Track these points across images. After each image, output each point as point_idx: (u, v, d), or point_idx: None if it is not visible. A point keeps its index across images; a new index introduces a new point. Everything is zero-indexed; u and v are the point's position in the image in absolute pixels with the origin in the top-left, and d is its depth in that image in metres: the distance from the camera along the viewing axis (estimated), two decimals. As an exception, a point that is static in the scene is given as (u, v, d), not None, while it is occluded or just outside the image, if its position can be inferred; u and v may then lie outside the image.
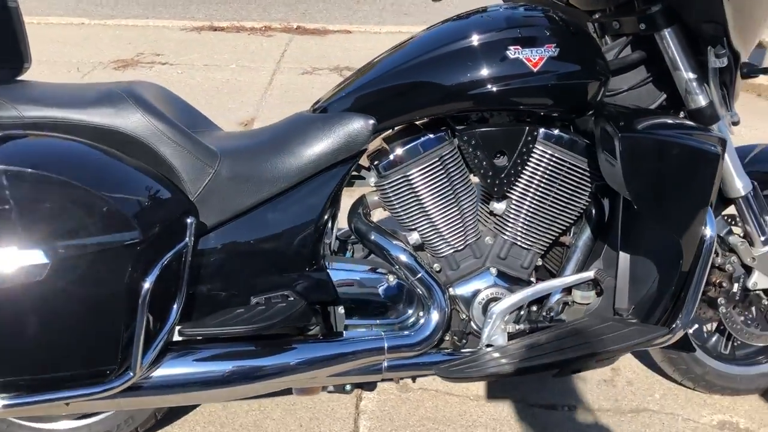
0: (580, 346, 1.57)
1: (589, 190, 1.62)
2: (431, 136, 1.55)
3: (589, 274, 1.64)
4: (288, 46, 5.23)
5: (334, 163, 1.51)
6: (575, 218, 1.65)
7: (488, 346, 1.60)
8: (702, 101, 1.52)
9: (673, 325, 1.58)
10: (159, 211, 1.37)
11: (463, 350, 1.63)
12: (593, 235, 1.67)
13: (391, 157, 1.55)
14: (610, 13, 1.59)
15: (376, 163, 1.57)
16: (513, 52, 1.45)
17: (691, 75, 1.51)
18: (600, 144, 1.52)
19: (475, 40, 1.48)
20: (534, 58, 1.46)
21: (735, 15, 1.40)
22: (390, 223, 1.69)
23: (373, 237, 1.58)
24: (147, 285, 1.30)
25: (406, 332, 1.59)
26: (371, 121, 1.49)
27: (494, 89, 1.46)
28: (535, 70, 1.46)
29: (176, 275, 1.38)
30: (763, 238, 1.70)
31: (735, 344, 1.92)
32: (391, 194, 1.57)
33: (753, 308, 1.79)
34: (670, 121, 1.54)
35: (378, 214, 1.90)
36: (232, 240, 1.50)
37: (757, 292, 1.76)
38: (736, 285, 1.71)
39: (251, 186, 1.48)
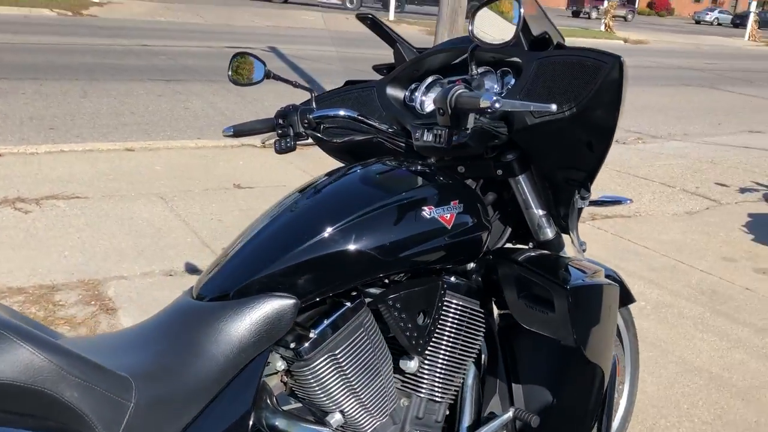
0: None
1: (483, 330, 1.62)
2: (349, 305, 1.40)
3: (509, 414, 1.62)
4: None
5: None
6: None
7: None
8: (550, 234, 1.65)
9: None
10: None
11: None
12: (481, 373, 1.69)
13: (312, 336, 1.35)
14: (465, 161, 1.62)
15: (293, 346, 1.35)
16: (428, 212, 1.43)
17: (541, 212, 1.62)
18: (516, 291, 1.54)
19: (386, 202, 1.40)
20: (447, 215, 1.45)
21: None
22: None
23: (293, 429, 1.39)
24: None
25: None
26: (292, 301, 1.29)
27: (417, 250, 1.42)
28: (449, 227, 1.45)
29: None
30: None
31: None
32: (315, 376, 1.37)
33: None
34: (575, 264, 1.61)
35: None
36: None
37: None
38: None
39: (173, 410, 1.20)
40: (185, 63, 10.05)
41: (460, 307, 1.56)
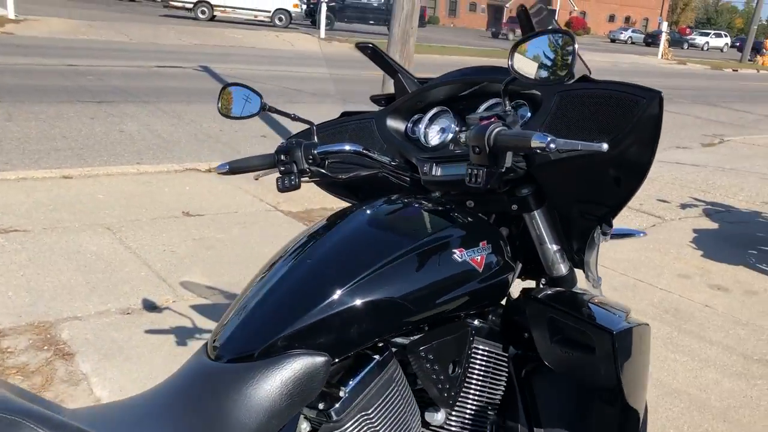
0: None
1: (506, 375, 1.55)
2: (378, 358, 1.30)
3: None
4: None
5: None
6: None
7: None
8: (564, 270, 1.58)
9: None
10: None
11: None
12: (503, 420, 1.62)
13: (342, 395, 1.24)
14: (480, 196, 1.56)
15: (322, 407, 1.24)
16: (459, 255, 1.34)
17: (555, 247, 1.55)
18: (549, 335, 1.46)
19: (416, 245, 1.31)
20: (477, 258, 1.37)
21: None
22: None
23: None
24: None
25: None
26: (324, 359, 1.18)
27: (450, 296, 1.33)
28: (480, 270, 1.38)
29: None
30: None
31: None
32: None
33: None
34: (603, 303, 1.54)
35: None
36: None
37: None
38: None
39: None
40: (114, 83, 9.66)
41: (486, 353, 1.49)
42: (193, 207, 4.64)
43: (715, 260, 4.49)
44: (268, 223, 4.52)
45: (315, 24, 23.90)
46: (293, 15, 25.76)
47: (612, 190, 1.46)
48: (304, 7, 27.52)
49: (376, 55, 1.73)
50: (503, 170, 1.32)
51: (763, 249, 4.82)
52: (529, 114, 1.54)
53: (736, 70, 28.79)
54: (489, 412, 1.51)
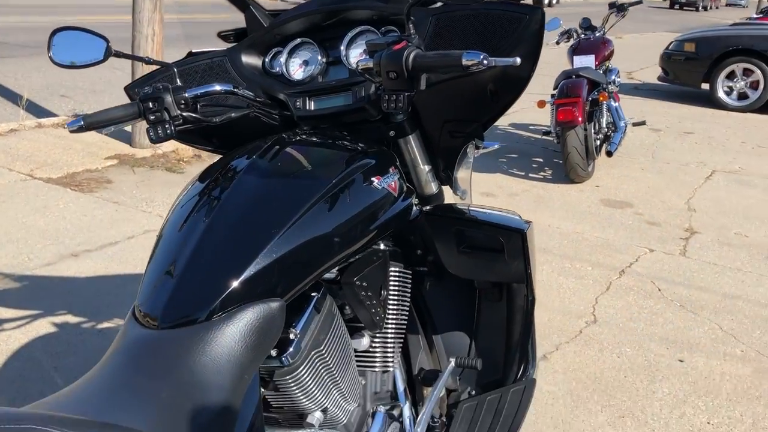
0: (494, 427, 1.61)
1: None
2: (317, 296, 1.30)
3: (452, 365, 1.67)
4: None
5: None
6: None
7: None
8: (434, 189, 1.66)
9: (529, 376, 1.70)
10: None
11: None
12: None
13: (293, 337, 1.23)
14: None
15: (275, 354, 1.22)
16: (378, 183, 1.37)
17: (427, 168, 1.62)
18: (456, 245, 1.58)
19: (338, 179, 1.31)
20: (392, 183, 1.42)
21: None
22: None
23: None
24: None
25: None
26: (278, 303, 1.16)
27: (379, 223, 1.36)
28: (396, 194, 1.42)
29: None
30: None
31: None
32: (298, 380, 1.25)
33: None
34: (492, 210, 1.68)
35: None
36: None
37: None
38: None
39: None
40: None
41: (397, 274, 1.55)
42: (-74, 188, 3.94)
43: (474, 171, 4.99)
44: (29, 193, 4.00)
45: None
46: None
47: (488, 106, 1.55)
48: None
49: None
50: (418, 91, 1.35)
51: (511, 156, 5.46)
52: None
53: None
54: (402, 329, 1.59)
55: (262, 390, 1.29)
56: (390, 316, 1.53)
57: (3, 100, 6.08)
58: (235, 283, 1.13)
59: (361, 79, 1.51)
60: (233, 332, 1.10)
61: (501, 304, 1.74)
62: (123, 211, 3.83)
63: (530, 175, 4.98)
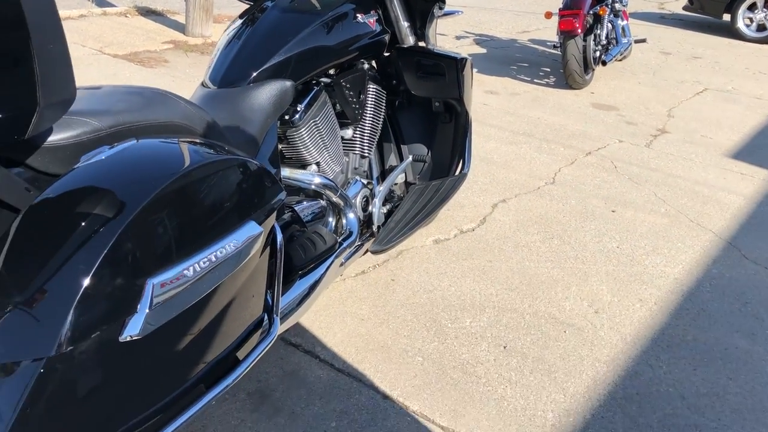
0: (431, 199, 2.32)
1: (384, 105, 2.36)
2: (316, 88, 2.03)
3: (410, 159, 2.48)
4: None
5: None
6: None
7: (379, 226, 2.24)
8: (412, 41, 2.37)
9: (463, 172, 2.43)
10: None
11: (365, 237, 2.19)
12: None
13: (299, 109, 1.94)
14: None
15: (287, 118, 1.93)
16: (361, 18, 2.12)
17: (407, 24, 2.34)
18: (415, 71, 2.30)
19: (335, 11, 2.03)
20: (371, 21, 2.17)
21: None
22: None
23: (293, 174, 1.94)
24: None
25: (343, 238, 2.01)
26: (291, 82, 1.87)
27: (359, 45, 2.10)
28: (373, 28, 2.16)
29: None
30: None
31: None
32: (301, 137, 1.96)
33: None
34: (445, 50, 2.37)
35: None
36: None
37: None
38: None
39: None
40: None
41: (375, 89, 2.25)
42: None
43: (486, 74, 5.60)
44: (101, 64, 4.76)
45: None
46: None
47: None
48: None
49: None
50: None
51: (521, 65, 6.03)
52: None
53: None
54: (378, 130, 2.30)
55: (279, 146, 2.03)
56: (366, 116, 2.24)
57: (72, -9, 6.80)
58: (264, 65, 1.85)
59: None
60: (262, 94, 1.82)
61: (450, 125, 2.44)
62: (179, 82, 4.58)
63: (535, 80, 5.56)
